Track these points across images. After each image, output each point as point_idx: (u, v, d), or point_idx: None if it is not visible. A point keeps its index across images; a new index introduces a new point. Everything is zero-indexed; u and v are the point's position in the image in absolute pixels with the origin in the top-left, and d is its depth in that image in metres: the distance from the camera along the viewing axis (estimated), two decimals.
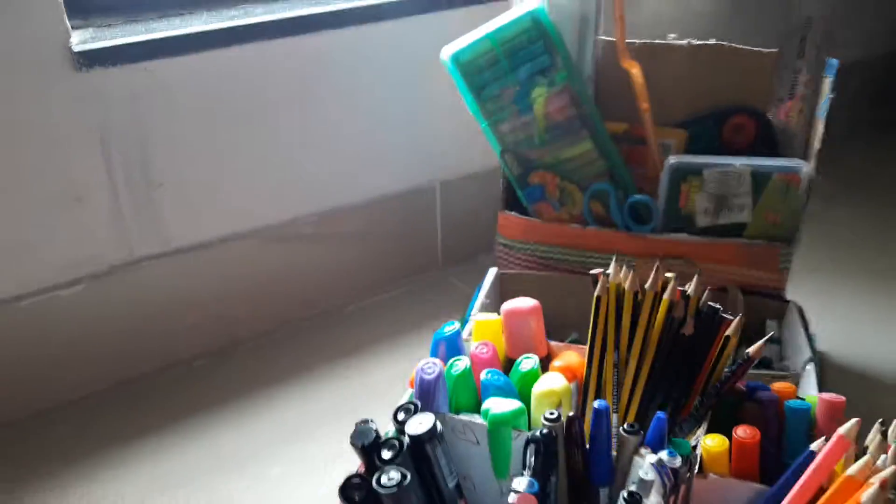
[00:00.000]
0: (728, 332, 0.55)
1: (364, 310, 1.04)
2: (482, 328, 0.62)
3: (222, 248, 0.93)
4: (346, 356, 0.95)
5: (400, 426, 0.51)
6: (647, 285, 0.57)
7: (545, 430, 0.49)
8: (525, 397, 0.57)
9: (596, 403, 0.51)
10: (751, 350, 0.54)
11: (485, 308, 0.78)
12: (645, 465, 0.47)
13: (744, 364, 0.54)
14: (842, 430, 0.44)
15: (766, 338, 0.56)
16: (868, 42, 1.48)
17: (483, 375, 0.57)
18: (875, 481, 0.39)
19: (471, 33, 0.79)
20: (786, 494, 0.48)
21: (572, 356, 0.60)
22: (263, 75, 0.88)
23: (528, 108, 0.80)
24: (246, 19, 0.85)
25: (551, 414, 0.51)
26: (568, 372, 0.58)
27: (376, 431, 0.50)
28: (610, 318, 0.57)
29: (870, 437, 0.44)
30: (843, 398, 0.53)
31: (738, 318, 0.55)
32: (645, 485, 0.46)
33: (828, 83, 0.75)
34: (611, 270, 0.58)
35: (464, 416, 0.55)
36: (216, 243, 0.92)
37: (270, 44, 0.86)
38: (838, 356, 0.91)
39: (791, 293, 0.82)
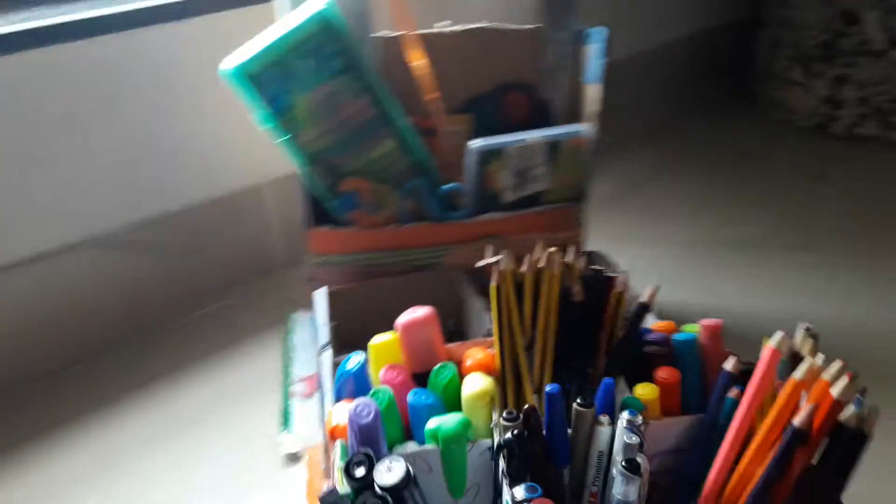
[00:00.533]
0: (618, 289, 0.58)
1: (198, 320, 0.98)
2: (380, 351, 0.58)
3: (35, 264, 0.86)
4: (181, 369, 0.89)
5: (360, 482, 0.46)
6: (537, 263, 0.58)
7: (515, 431, 0.48)
8: (452, 407, 0.55)
9: (548, 388, 0.50)
10: (645, 297, 0.58)
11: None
12: (620, 428, 0.48)
13: (639, 311, 0.58)
14: (772, 342, 0.49)
15: (656, 287, 0.60)
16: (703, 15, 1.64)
17: (410, 398, 0.54)
18: (835, 376, 0.44)
19: (254, 41, 0.72)
20: (717, 416, 0.53)
21: (478, 353, 0.59)
22: (68, 79, 0.84)
23: (330, 112, 0.76)
24: (43, 20, 0.81)
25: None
26: (483, 369, 0.57)
27: (347, 495, 0.45)
28: (512, 305, 0.57)
29: (798, 342, 0.50)
30: (721, 320, 0.60)
31: (623, 273, 0.59)
32: (631, 448, 0.47)
33: (592, 50, 0.83)
34: (500, 258, 0.58)
35: (412, 446, 0.51)
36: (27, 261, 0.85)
37: (74, 46, 0.83)
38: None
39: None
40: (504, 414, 0.49)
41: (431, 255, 0.85)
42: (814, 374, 0.46)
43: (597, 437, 0.50)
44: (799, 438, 0.45)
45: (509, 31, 0.86)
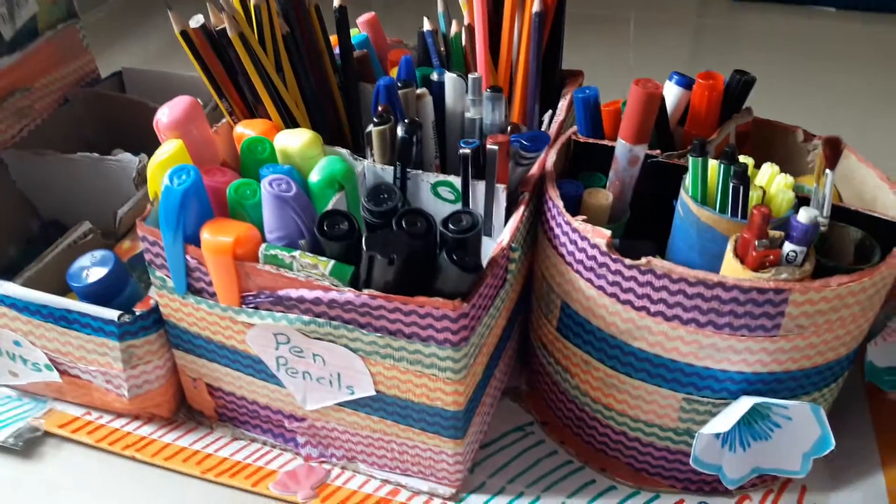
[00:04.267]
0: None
1: None
2: (169, 165, 0.45)
3: None
4: None
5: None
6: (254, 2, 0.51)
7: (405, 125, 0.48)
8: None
9: (382, 81, 0.50)
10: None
11: None
12: None
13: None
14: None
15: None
16: None
17: (266, 178, 0.45)
18: None
19: None
20: None
21: (253, 124, 0.51)
22: None
23: None
24: None
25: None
26: (272, 128, 0.51)
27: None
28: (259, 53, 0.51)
29: None
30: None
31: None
32: None
33: None
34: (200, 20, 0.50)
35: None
36: None
37: None
38: None
39: None
40: (375, 119, 0.48)
41: None
42: None
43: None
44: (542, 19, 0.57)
45: None
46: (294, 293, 0.43)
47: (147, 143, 0.68)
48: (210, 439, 0.53)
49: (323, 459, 0.52)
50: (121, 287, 0.51)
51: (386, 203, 0.44)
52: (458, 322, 0.40)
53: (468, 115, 0.54)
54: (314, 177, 0.48)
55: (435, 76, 0.55)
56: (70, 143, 0.70)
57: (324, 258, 0.42)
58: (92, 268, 0.51)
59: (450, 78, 0.54)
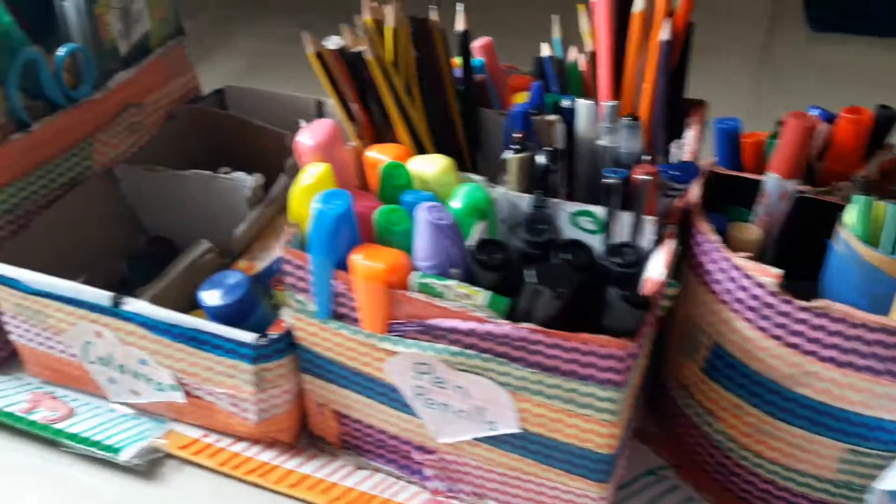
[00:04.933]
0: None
1: None
2: (311, 191, 0.45)
3: None
4: None
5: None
6: (391, 26, 0.51)
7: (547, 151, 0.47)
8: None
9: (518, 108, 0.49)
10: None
11: None
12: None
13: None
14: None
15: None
16: None
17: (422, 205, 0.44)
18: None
19: None
20: None
21: (385, 149, 0.50)
22: None
23: None
24: None
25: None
26: (404, 153, 0.50)
27: None
28: (392, 74, 0.51)
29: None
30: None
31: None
32: None
33: None
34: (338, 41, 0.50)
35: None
36: None
37: None
38: None
39: None
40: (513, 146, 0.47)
41: (77, 158, 0.62)
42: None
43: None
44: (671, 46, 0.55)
45: None
46: (445, 323, 0.42)
47: (248, 161, 0.68)
48: (333, 467, 0.52)
49: (451, 494, 0.50)
50: (252, 309, 0.50)
51: (543, 234, 0.43)
52: (625, 362, 0.39)
53: (601, 142, 0.52)
54: (455, 204, 0.47)
55: (566, 102, 0.54)
56: (174, 159, 0.70)
57: (478, 289, 0.41)
58: (224, 288, 0.50)
59: (582, 105, 0.53)
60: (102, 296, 0.49)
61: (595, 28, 0.60)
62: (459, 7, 0.58)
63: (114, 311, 0.50)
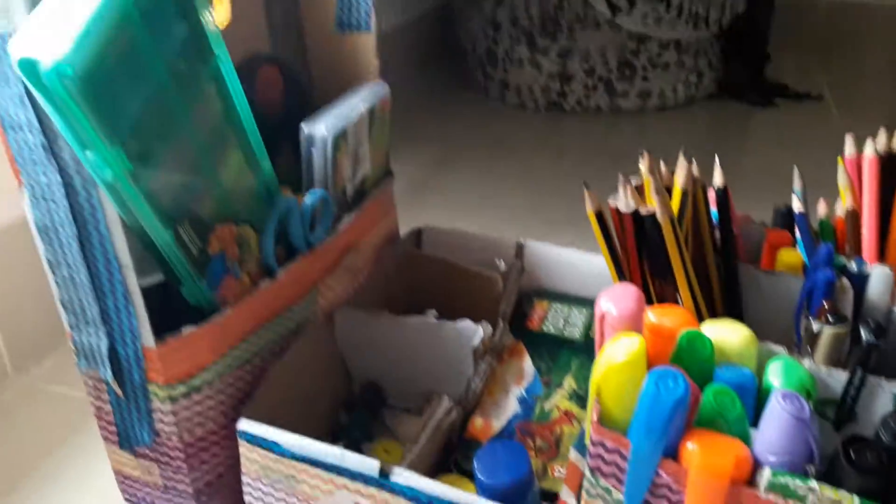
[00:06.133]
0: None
1: None
2: (633, 364, 0.41)
3: None
4: None
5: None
6: (680, 185, 0.49)
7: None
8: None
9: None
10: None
11: None
12: None
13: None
14: None
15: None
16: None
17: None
18: None
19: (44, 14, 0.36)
20: None
21: (666, 313, 0.47)
22: None
23: (183, 117, 0.44)
24: None
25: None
26: (686, 317, 0.47)
27: None
28: (680, 235, 0.48)
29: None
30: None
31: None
32: None
33: None
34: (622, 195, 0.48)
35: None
36: None
37: None
38: None
39: None
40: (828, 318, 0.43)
41: (306, 303, 0.61)
42: None
43: None
44: None
45: None
46: None
47: (447, 304, 0.65)
48: None
49: None
50: (531, 486, 0.46)
51: None
52: None
53: None
54: (775, 381, 0.43)
55: (854, 266, 0.51)
56: (381, 303, 0.68)
57: (846, 493, 0.37)
58: (504, 462, 0.46)
59: (879, 270, 0.50)
60: (369, 465, 0.46)
61: (856, 186, 0.57)
62: (716, 162, 0.57)
63: (379, 482, 0.46)
